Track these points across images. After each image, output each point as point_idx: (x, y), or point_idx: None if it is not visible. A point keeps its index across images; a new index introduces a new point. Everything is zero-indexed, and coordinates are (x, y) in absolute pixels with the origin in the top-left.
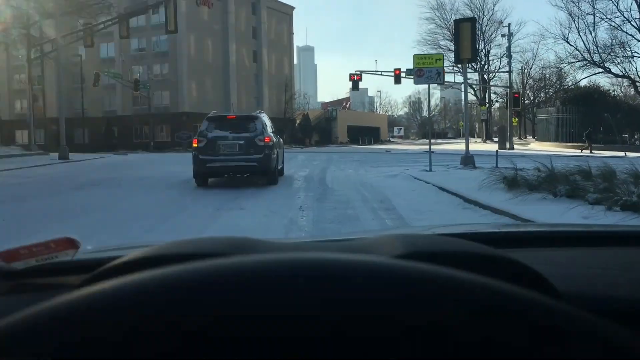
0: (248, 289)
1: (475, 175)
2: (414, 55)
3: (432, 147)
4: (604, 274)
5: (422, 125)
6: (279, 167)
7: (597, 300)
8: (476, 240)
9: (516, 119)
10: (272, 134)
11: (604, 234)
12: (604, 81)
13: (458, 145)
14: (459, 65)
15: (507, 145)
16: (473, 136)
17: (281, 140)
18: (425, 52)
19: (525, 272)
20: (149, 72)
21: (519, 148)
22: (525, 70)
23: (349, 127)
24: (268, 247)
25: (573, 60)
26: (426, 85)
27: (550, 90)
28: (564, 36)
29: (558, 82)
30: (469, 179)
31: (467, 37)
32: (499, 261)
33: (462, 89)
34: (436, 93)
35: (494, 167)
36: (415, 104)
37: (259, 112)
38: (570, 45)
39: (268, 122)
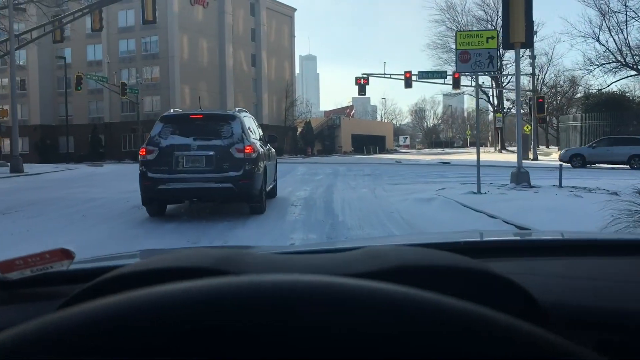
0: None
1: (564, 202)
2: (457, 33)
3: (443, 157)
4: (587, 284)
5: (428, 134)
6: (269, 188)
7: (578, 309)
8: (460, 250)
9: (528, 127)
10: (256, 142)
11: (586, 242)
12: (625, 85)
13: (472, 155)
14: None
15: (531, 156)
16: (485, 145)
17: (273, 150)
18: (436, 56)
19: (497, 281)
20: (138, 75)
21: (542, 159)
22: (539, 76)
23: (353, 135)
24: (256, 263)
25: (604, 61)
26: (433, 92)
27: (566, 96)
28: (595, 35)
29: (572, 89)
30: (564, 211)
31: (519, 13)
32: (472, 272)
33: (490, 91)
34: (438, 98)
35: (557, 186)
36: (420, 112)
37: (239, 111)
38: (602, 45)
39: (252, 125)
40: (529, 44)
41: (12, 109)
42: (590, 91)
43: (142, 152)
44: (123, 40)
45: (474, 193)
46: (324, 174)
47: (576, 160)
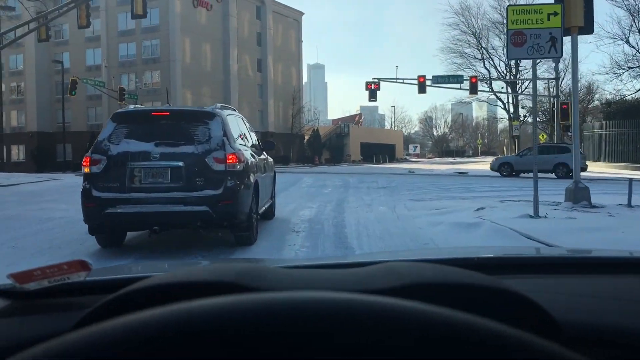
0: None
1: None
2: (509, 8)
3: (458, 167)
4: (608, 303)
5: (438, 142)
6: (263, 209)
7: (599, 329)
8: (478, 267)
9: (544, 136)
10: (244, 149)
11: (607, 260)
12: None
13: (487, 165)
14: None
15: None
16: (497, 154)
17: (270, 160)
18: (449, 61)
19: (514, 299)
20: (138, 80)
21: None
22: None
23: (362, 144)
24: (277, 278)
25: (633, 65)
26: (444, 100)
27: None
28: (625, 37)
29: (588, 97)
30: None
31: None
32: (490, 290)
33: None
34: (447, 106)
35: (626, 206)
36: (429, 121)
37: (220, 108)
38: (631, 47)
39: (239, 128)
40: (588, 29)
41: None
42: (614, 98)
43: (85, 162)
44: (123, 44)
45: (531, 217)
46: (332, 187)
47: (504, 168)
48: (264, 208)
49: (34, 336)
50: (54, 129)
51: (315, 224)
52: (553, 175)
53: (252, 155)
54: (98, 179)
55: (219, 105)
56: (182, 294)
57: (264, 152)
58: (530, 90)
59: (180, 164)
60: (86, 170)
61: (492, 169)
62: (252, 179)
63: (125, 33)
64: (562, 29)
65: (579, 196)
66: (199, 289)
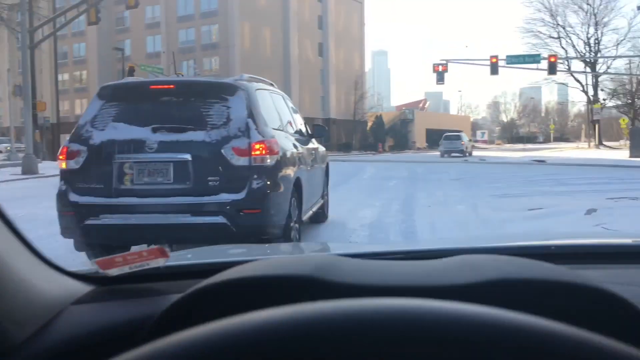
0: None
1: None
2: None
3: (533, 154)
4: None
5: (506, 128)
6: (311, 212)
7: None
8: (555, 256)
9: (625, 120)
10: (278, 135)
11: None
12: None
13: (565, 152)
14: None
15: None
16: (571, 140)
17: (321, 149)
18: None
19: (605, 299)
20: (197, 67)
21: None
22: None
23: (428, 130)
24: (354, 270)
25: None
26: (512, 85)
27: None
28: None
29: None
30: None
31: None
32: (577, 289)
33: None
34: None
35: None
36: (497, 106)
37: (245, 79)
38: None
39: (271, 106)
40: None
41: (25, 100)
42: None
43: (61, 154)
44: (182, 30)
45: None
46: (398, 178)
47: None
48: (310, 212)
49: (118, 320)
50: None
51: (377, 231)
52: None
53: (294, 144)
54: (76, 177)
55: (245, 76)
56: (263, 289)
57: (312, 140)
58: (613, 70)
59: (187, 157)
60: (62, 165)
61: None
62: (292, 177)
63: (184, 19)
64: None
65: None
66: (279, 284)
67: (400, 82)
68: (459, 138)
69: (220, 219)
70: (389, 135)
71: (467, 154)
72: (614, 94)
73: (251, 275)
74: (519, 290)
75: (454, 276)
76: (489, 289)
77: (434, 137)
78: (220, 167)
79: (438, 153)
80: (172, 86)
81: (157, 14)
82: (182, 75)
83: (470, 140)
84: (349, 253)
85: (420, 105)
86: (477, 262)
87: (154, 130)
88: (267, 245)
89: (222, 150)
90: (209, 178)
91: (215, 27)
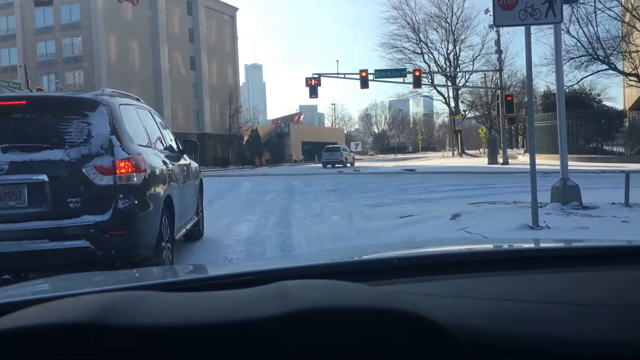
0: None
1: None
2: None
3: (404, 163)
4: (514, 305)
5: (378, 139)
6: (183, 230)
7: (506, 336)
8: (399, 269)
9: (483, 130)
10: (146, 152)
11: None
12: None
13: (432, 161)
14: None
15: (500, 160)
16: (437, 149)
17: (193, 165)
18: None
19: (416, 322)
20: (59, 81)
21: (512, 162)
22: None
23: (304, 143)
24: (151, 309)
25: (574, 55)
26: (383, 97)
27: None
28: (565, 26)
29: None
30: None
31: None
32: (385, 313)
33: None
34: (387, 102)
35: (623, 205)
36: (369, 118)
37: (106, 94)
38: (572, 37)
39: (136, 121)
40: None
41: None
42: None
43: None
44: (41, 42)
45: (531, 227)
46: (275, 192)
47: None
48: (184, 230)
49: None
50: None
51: (254, 246)
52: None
53: (163, 161)
54: None
55: (107, 90)
56: (33, 340)
57: (184, 156)
58: (470, 84)
59: (43, 177)
60: None
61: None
62: (161, 194)
63: (43, 30)
64: None
65: (568, 196)
66: (53, 333)
67: (276, 95)
68: (338, 150)
69: (83, 243)
70: (266, 148)
71: (349, 164)
72: (472, 105)
73: (10, 327)
74: (325, 319)
75: (263, 307)
76: (295, 321)
77: (310, 150)
78: (81, 188)
79: (314, 165)
80: (23, 102)
81: (12, 25)
82: (43, 90)
83: (351, 152)
84: (174, 281)
85: (296, 118)
86: (288, 290)
87: (4, 150)
88: (135, 270)
89: (84, 170)
90: (70, 199)
91: (78, 39)
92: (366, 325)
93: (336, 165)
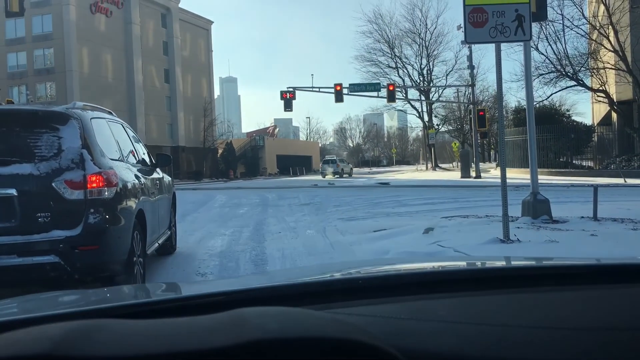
0: None
1: None
2: None
3: (378, 177)
4: (448, 327)
5: (353, 153)
6: (156, 245)
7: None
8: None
9: (456, 144)
10: (118, 166)
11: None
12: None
13: (406, 175)
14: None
15: (473, 174)
16: (411, 163)
17: (165, 178)
18: (365, 69)
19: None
20: (29, 93)
21: (485, 176)
22: (466, 92)
23: (278, 156)
24: (109, 338)
25: (543, 72)
26: (358, 111)
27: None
28: (534, 43)
29: (494, 106)
30: None
31: None
32: (340, 344)
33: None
34: (361, 116)
35: (591, 219)
36: (343, 132)
37: (78, 107)
38: (541, 54)
39: (108, 135)
40: (541, 15)
41: None
42: (520, 105)
43: None
44: (12, 54)
45: (502, 241)
46: (249, 205)
47: None
48: (156, 244)
49: None
50: None
51: (227, 260)
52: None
53: (135, 175)
54: None
55: (79, 103)
56: None
57: (157, 170)
58: (444, 98)
59: (12, 192)
60: None
61: None
62: (133, 209)
63: (14, 42)
64: (529, 5)
65: (539, 210)
66: None
67: (250, 108)
68: (334, 162)
69: (52, 258)
70: (240, 161)
71: (346, 175)
72: (445, 120)
73: None
74: (278, 350)
75: (217, 336)
76: (248, 350)
77: (285, 163)
78: (51, 202)
79: (289, 178)
80: None
81: None
82: (13, 102)
83: (348, 164)
84: (138, 302)
85: (270, 131)
86: (245, 318)
87: None
88: (104, 289)
89: (54, 184)
90: (39, 214)
91: (50, 51)
92: (320, 357)
93: (335, 175)
